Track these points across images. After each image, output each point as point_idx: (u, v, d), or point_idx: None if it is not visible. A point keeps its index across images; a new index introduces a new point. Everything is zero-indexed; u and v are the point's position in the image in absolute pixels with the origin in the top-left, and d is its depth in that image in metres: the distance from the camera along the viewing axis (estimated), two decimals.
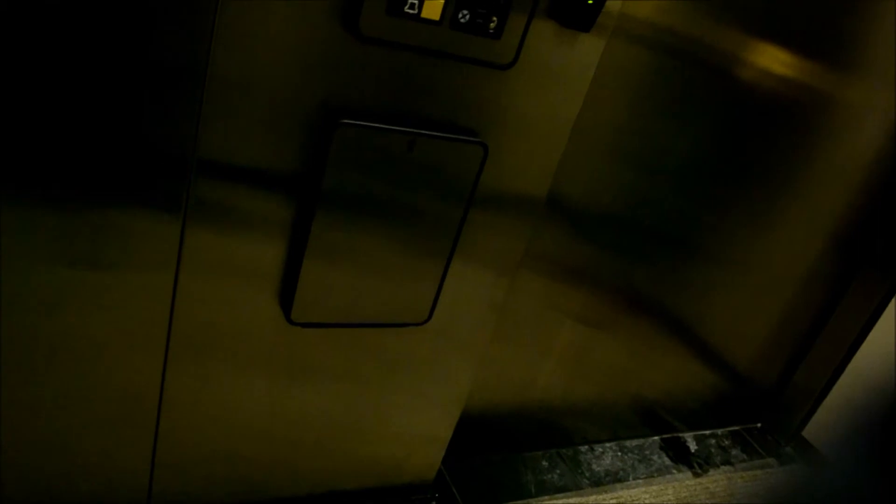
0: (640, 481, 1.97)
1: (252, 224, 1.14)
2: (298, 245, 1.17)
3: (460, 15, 1.05)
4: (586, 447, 2.02)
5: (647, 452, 2.09)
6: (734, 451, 2.23)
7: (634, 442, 2.11)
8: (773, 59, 1.62)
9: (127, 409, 1.22)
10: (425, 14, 1.04)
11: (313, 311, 1.24)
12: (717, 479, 2.07)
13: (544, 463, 1.92)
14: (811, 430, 2.28)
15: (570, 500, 1.81)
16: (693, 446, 2.16)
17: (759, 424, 2.38)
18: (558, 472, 1.90)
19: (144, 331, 1.16)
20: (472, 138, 1.18)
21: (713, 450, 2.20)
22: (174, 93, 0.98)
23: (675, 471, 2.06)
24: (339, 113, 1.08)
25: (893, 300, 2.05)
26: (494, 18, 1.08)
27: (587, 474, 1.93)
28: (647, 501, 1.90)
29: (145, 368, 1.20)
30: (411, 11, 1.03)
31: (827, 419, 2.24)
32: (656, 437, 2.16)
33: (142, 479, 1.32)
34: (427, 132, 1.14)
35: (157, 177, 1.03)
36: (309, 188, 1.12)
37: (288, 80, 1.04)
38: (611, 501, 1.86)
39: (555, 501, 1.79)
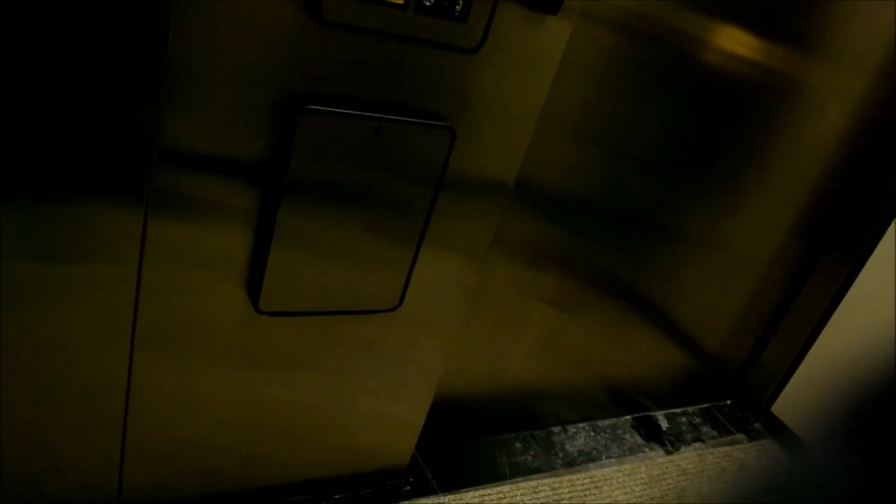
0: (613, 460, 2.00)
1: (217, 213, 1.12)
2: (265, 233, 1.15)
3: None
4: (559, 428, 2.04)
5: (620, 432, 2.12)
6: (705, 429, 2.26)
7: (607, 422, 2.13)
8: (739, 43, 1.62)
9: (94, 403, 1.20)
10: None
11: (282, 300, 1.22)
12: (688, 457, 2.11)
13: (518, 445, 1.93)
14: (780, 407, 2.33)
15: (544, 481, 1.83)
16: (664, 425, 2.19)
17: (728, 402, 2.42)
18: (532, 453, 1.92)
19: (109, 323, 1.13)
20: (439, 123, 1.17)
21: (684, 427, 2.23)
22: (133, 80, 0.96)
23: (647, 449, 2.09)
24: (304, 99, 1.06)
25: (858, 279, 2.09)
26: (460, 1, 1.06)
27: (560, 455, 1.95)
28: (620, 480, 1.93)
29: (111, 361, 1.18)
30: None
31: (795, 396, 2.28)
32: (628, 417, 2.18)
33: (112, 473, 1.30)
34: (394, 117, 1.13)
35: (117, 167, 1.01)
36: (275, 176, 1.11)
37: (251, 67, 1.02)
38: (584, 481, 1.88)
39: (529, 483, 1.81)
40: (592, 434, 2.07)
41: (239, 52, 1.00)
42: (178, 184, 1.06)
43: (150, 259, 1.10)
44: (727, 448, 2.21)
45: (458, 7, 1.07)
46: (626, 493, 1.89)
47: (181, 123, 1.02)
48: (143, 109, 0.98)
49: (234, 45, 0.99)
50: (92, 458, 1.27)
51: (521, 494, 1.76)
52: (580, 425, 2.08)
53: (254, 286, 1.20)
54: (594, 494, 1.85)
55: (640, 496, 1.90)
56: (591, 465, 1.96)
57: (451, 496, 1.69)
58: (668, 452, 2.10)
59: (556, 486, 1.83)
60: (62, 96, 0.93)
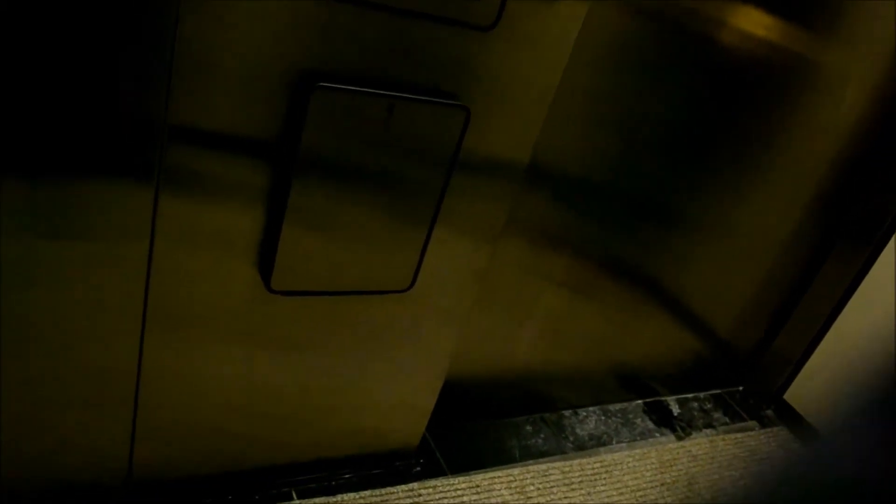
0: (624, 445, 1.99)
1: (228, 191, 1.11)
2: (277, 212, 1.15)
3: None
4: (570, 412, 2.03)
5: (631, 416, 2.11)
6: (716, 415, 2.25)
7: (618, 406, 2.13)
8: (755, 24, 1.59)
9: (105, 382, 1.21)
10: None
11: (293, 279, 1.22)
12: (699, 442, 2.10)
13: (528, 428, 1.93)
14: (792, 394, 2.31)
15: (554, 465, 1.83)
16: (676, 410, 2.18)
17: (740, 388, 2.40)
18: (542, 436, 1.91)
19: (120, 302, 1.13)
20: (453, 102, 1.16)
21: (695, 413, 2.22)
22: (143, 56, 0.95)
23: (658, 434, 2.08)
24: (315, 76, 1.05)
25: (873, 267, 2.06)
26: None
27: (571, 439, 1.95)
28: (630, 465, 1.92)
29: (122, 341, 1.18)
30: None
31: (808, 383, 2.27)
32: (639, 401, 2.17)
33: (122, 453, 1.31)
34: (407, 96, 1.12)
35: (127, 144, 1.00)
36: (286, 154, 1.10)
37: (262, 43, 1.00)
38: (595, 465, 1.87)
39: (539, 466, 1.80)
40: (603, 418, 2.06)
41: (250, 29, 0.98)
42: (189, 161, 1.06)
43: (161, 237, 1.10)
44: (738, 435, 2.19)
45: None
46: (636, 478, 1.88)
47: (192, 100, 1.01)
48: (153, 86, 0.97)
49: (245, 20, 0.98)
50: (102, 436, 1.27)
51: (531, 477, 1.76)
52: (591, 409, 2.07)
53: (265, 265, 1.19)
54: (604, 479, 1.84)
55: (651, 481, 1.89)
56: (602, 449, 1.95)
57: (461, 478, 1.69)
58: (679, 438, 2.09)
59: (567, 469, 1.82)
60: (73, 74, 0.92)
